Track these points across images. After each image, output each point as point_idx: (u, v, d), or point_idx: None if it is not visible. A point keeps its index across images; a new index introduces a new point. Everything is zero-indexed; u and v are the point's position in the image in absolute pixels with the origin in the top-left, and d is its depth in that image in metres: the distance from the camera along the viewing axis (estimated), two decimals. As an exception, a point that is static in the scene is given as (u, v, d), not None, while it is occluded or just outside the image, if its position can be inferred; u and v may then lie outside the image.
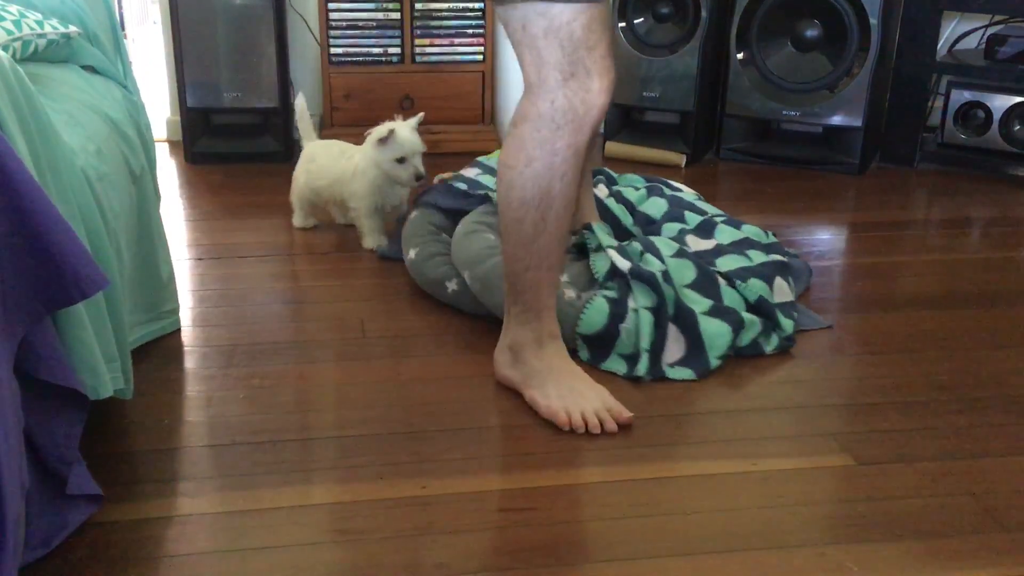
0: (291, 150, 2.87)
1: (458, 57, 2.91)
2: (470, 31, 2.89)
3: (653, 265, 1.79)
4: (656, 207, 2.19)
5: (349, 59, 2.88)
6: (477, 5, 2.87)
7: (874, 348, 1.79)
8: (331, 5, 2.84)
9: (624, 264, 1.76)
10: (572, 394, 1.51)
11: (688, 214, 2.15)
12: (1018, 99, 2.65)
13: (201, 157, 2.85)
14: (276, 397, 1.58)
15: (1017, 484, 1.36)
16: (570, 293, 1.74)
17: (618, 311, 1.68)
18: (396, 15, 2.86)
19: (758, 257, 1.96)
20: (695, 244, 2.04)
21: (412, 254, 1.97)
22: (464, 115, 2.95)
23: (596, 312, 1.68)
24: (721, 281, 1.82)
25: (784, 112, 2.80)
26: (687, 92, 2.82)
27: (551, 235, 1.44)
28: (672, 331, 1.68)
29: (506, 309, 1.55)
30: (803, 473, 1.39)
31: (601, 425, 1.47)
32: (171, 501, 1.31)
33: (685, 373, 1.65)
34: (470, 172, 2.20)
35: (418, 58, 2.90)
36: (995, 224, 2.49)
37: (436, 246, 1.97)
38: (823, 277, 2.13)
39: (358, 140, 2.18)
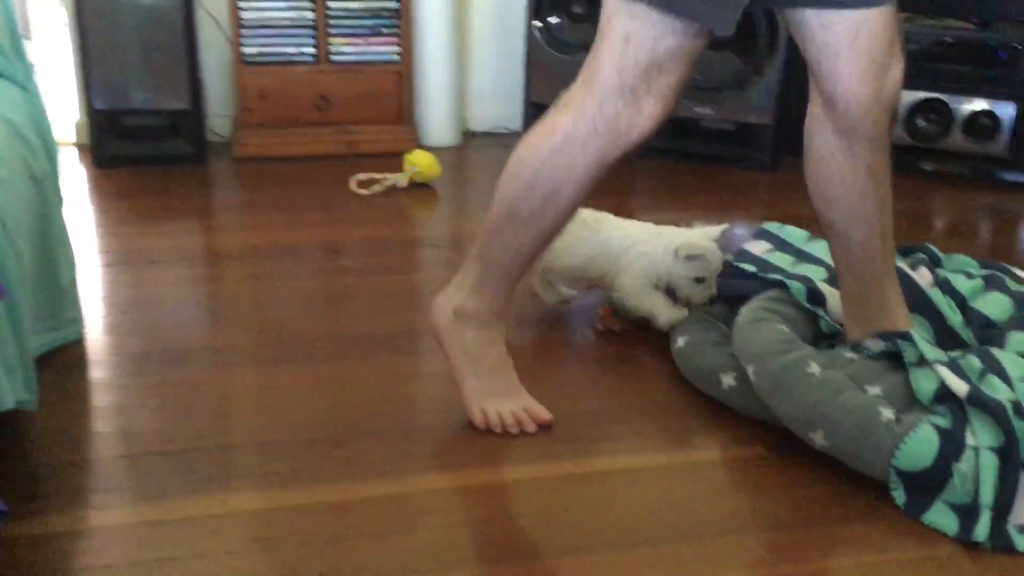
0: (204, 152, 2.82)
1: (374, 57, 2.89)
2: (386, 30, 2.88)
3: (999, 390, 1.39)
4: (998, 306, 1.70)
5: (262, 59, 2.84)
6: (392, 5, 2.86)
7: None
8: (241, 4, 2.79)
9: (960, 387, 1.36)
10: (492, 392, 1.48)
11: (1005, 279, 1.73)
12: (921, 95, 2.74)
13: (111, 160, 2.77)
14: (190, 405, 1.54)
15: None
16: (887, 413, 1.35)
17: (951, 447, 1.29)
18: (310, 14, 2.83)
19: None
20: None
21: (681, 342, 1.67)
22: (382, 115, 2.94)
23: (922, 444, 1.29)
24: None
25: (698, 110, 2.85)
26: (603, 91, 2.84)
27: (543, 229, 1.38)
28: None
29: (465, 267, 1.46)
30: (720, 464, 1.42)
31: (520, 426, 1.47)
32: (80, 514, 1.27)
33: None
34: (757, 248, 1.91)
35: (333, 58, 2.87)
36: (903, 216, 2.57)
37: (711, 334, 1.67)
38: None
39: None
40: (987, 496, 1.26)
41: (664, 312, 1.75)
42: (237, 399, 1.58)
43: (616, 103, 1.26)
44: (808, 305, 1.66)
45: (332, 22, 2.84)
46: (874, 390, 1.41)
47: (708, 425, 1.52)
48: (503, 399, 1.48)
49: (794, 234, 2.02)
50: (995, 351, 1.51)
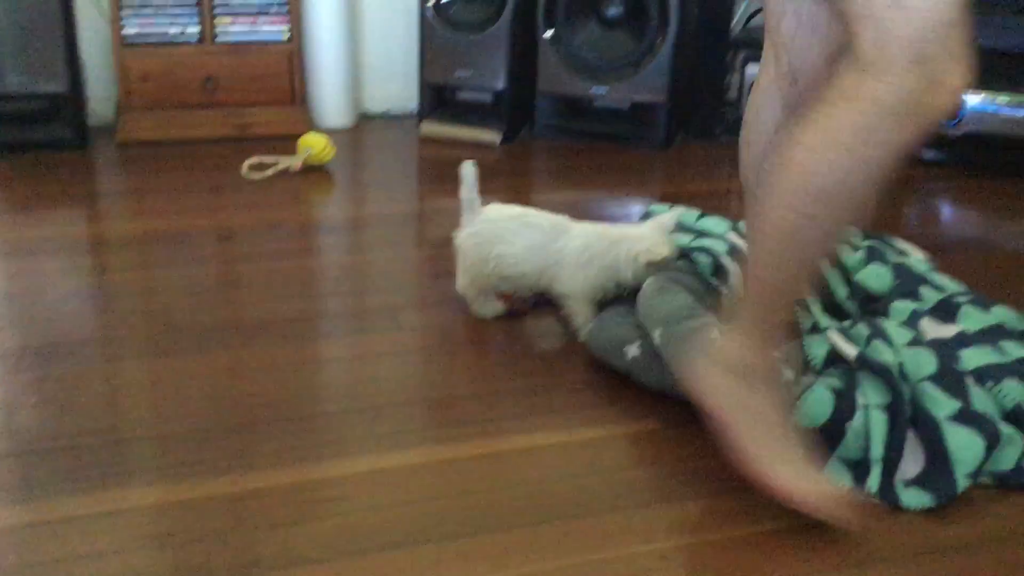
0: (85, 137, 2.71)
1: (262, 37, 2.81)
2: (273, 10, 2.80)
3: (884, 354, 1.47)
4: (879, 279, 1.78)
5: (143, 40, 2.74)
6: (281, -17, 2.79)
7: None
8: (122, -18, 2.69)
9: (850, 351, 1.45)
10: (809, 470, 1.26)
11: (923, 290, 1.75)
12: (806, 74, 2.81)
13: (-16, 147, 2.64)
14: (75, 399, 1.48)
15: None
16: (787, 374, 1.40)
17: (844, 406, 1.36)
18: (194, -7, 2.74)
19: (1015, 351, 1.53)
20: (932, 330, 1.62)
21: (590, 324, 1.69)
22: (272, 97, 2.87)
23: (818, 403, 1.37)
24: (968, 379, 1.45)
25: (593, 90, 2.87)
26: (498, 71, 2.84)
27: (832, 245, 1.21)
28: (910, 439, 1.34)
29: (738, 326, 1.28)
30: (615, 440, 1.44)
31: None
32: (-43, 519, 1.22)
33: (923, 499, 1.30)
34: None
35: (219, 38, 2.79)
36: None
37: (617, 310, 1.67)
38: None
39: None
40: (877, 451, 1.33)
41: (583, 323, 1.70)
42: (126, 392, 1.52)
43: (913, 78, 1.08)
44: (712, 279, 1.70)
45: (217, 0, 2.76)
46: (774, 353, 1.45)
47: (602, 403, 1.54)
48: (814, 473, 1.27)
49: (685, 215, 2.05)
50: (881, 320, 1.60)
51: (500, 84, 2.86)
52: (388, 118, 3.13)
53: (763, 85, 1.42)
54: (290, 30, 2.83)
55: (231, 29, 2.79)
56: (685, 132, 3.01)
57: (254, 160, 2.58)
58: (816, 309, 1.58)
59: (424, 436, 1.43)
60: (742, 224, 1.86)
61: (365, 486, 1.31)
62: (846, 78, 1.11)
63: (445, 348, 1.72)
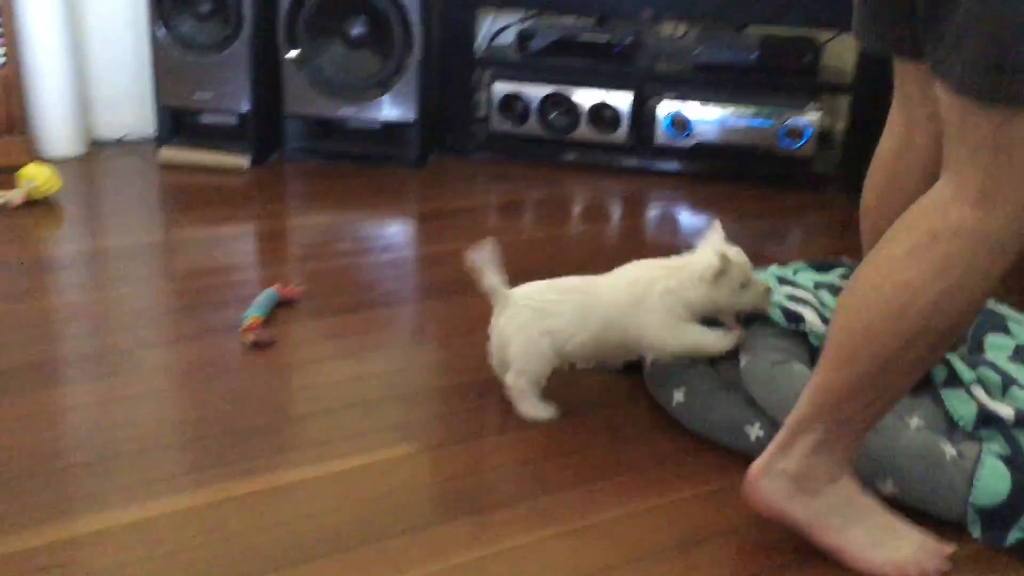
0: None
1: (-28, 61, 2.57)
2: (-18, 32, 2.57)
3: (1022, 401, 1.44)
4: None
5: None
6: (-9, 2, 2.56)
7: (433, 335, 1.86)
8: None
9: (1005, 411, 1.40)
10: (888, 538, 1.25)
11: (1010, 325, 1.70)
12: (549, 89, 2.90)
13: None
14: None
15: (557, 447, 1.48)
16: (949, 450, 1.36)
17: (1021, 476, 1.32)
18: None
19: None
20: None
21: (680, 395, 1.54)
22: (-13, 126, 2.62)
23: (994, 479, 1.32)
24: None
25: (342, 110, 2.83)
26: (241, 93, 2.74)
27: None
28: None
29: (793, 428, 1.22)
30: (369, 469, 1.41)
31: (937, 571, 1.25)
32: None
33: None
34: (780, 291, 1.68)
35: (-79, 63, 2.52)
36: (545, 205, 2.71)
37: (713, 382, 1.55)
38: (395, 269, 2.18)
39: None
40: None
41: (711, 337, 1.54)
42: None
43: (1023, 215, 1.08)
44: (797, 327, 1.58)
45: (-84, 22, 2.49)
46: (915, 421, 1.42)
47: (356, 431, 1.50)
48: (896, 540, 1.26)
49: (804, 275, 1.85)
50: (1001, 361, 1.56)
51: (244, 106, 2.76)
52: (124, 145, 2.94)
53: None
54: (5, 54, 2.60)
55: (-67, 53, 2.53)
56: (439, 150, 3.03)
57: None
58: (958, 359, 1.51)
59: (178, 483, 1.34)
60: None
61: (147, 534, 1.23)
62: (952, 211, 1.08)
63: (196, 387, 1.62)
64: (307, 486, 1.36)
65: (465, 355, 1.76)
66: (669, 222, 2.68)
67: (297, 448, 1.45)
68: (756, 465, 1.23)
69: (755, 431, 1.45)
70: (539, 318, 1.53)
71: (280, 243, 2.37)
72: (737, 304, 1.55)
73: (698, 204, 2.74)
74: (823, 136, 2.94)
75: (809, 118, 2.79)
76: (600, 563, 1.23)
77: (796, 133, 2.79)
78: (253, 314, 1.79)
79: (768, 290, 1.56)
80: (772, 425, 1.42)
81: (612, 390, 1.65)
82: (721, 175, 2.89)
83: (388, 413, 1.55)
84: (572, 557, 1.24)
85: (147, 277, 2.10)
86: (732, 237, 1.57)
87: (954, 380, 1.46)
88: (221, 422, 1.50)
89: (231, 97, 2.75)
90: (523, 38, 2.98)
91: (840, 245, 2.41)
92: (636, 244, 2.50)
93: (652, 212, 2.74)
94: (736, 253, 1.53)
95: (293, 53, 2.75)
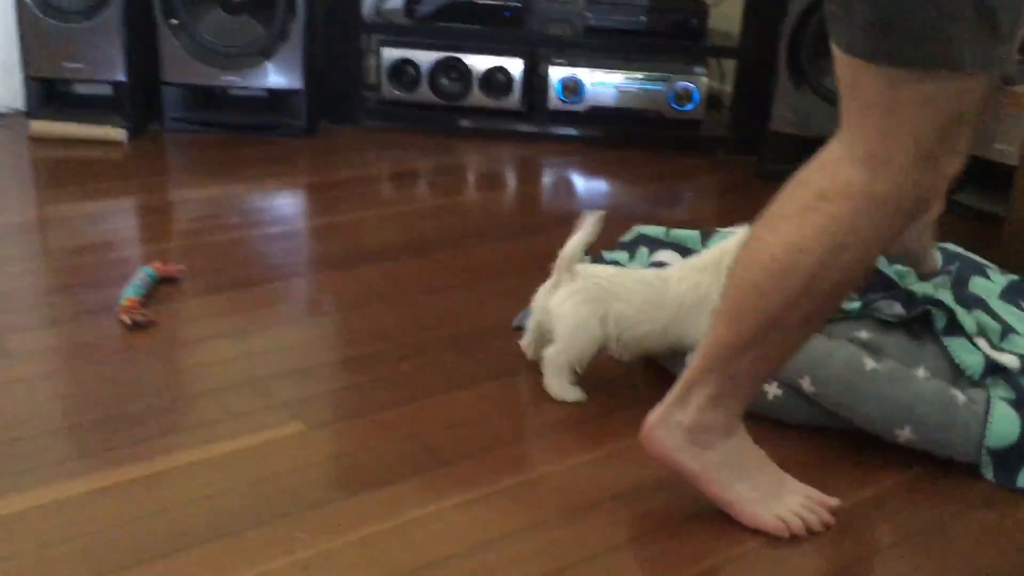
0: None
1: None
2: None
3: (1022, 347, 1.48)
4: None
5: None
6: None
7: (325, 308, 1.81)
8: None
9: (1011, 361, 1.44)
10: (775, 493, 1.27)
11: (987, 270, 1.71)
12: (440, 55, 2.85)
13: None
14: None
15: (451, 418, 1.46)
16: (959, 395, 1.39)
17: None
18: None
19: None
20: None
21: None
22: None
23: (1005, 421, 1.37)
24: None
25: (224, 78, 2.72)
26: (115, 61, 2.61)
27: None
28: None
29: (689, 382, 1.22)
30: (256, 450, 1.36)
31: (821, 523, 1.27)
32: None
33: None
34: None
35: None
36: (439, 173, 2.67)
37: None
38: (285, 242, 2.12)
39: None
40: None
41: None
42: None
43: (915, 176, 1.07)
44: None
45: None
46: (921, 372, 1.43)
47: (242, 410, 1.45)
48: (782, 495, 1.27)
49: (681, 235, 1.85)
50: (995, 305, 1.57)
51: (119, 75, 2.63)
52: (-9, 118, 2.78)
53: None
54: None
55: None
56: (328, 119, 2.95)
57: None
58: (962, 309, 1.51)
59: (52, 472, 1.27)
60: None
61: (15, 529, 1.15)
62: (841, 171, 1.08)
63: (72, 372, 1.54)
64: (194, 469, 1.31)
65: (357, 328, 1.72)
66: (565, 187, 2.68)
67: (183, 430, 1.39)
68: (654, 415, 1.24)
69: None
70: (607, 300, 1.48)
71: (162, 218, 2.27)
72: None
73: (593, 169, 2.74)
74: (712, 99, 2.97)
75: (697, 81, 2.81)
76: (500, 531, 1.21)
77: (685, 96, 2.81)
78: (128, 295, 1.71)
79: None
80: (790, 386, 1.44)
81: (509, 361, 1.64)
82: (615, 139, 2.89)
83: (278, 391, 1.50)
84: (472, 526, 1.22)
85: (19, 256, 1.99)
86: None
87: (955, 328, 1.48)
88: (100, 407, 1.43)
89: (105, 66, 2.61)
90: (411, 2, 2.91)
91: (732, 207, 2.45)
92: (532, 210, 2.49)
93: (547, 178, 2.73)
94: None
95: (170, 20, 2.63)
